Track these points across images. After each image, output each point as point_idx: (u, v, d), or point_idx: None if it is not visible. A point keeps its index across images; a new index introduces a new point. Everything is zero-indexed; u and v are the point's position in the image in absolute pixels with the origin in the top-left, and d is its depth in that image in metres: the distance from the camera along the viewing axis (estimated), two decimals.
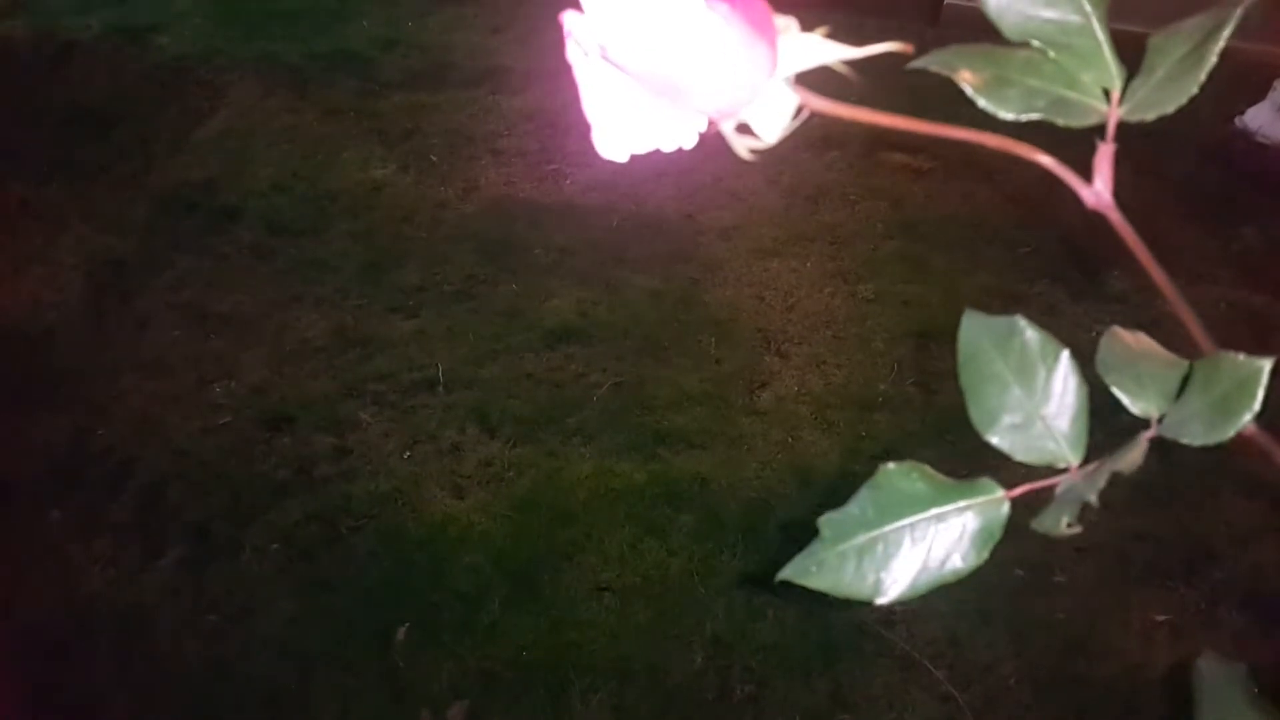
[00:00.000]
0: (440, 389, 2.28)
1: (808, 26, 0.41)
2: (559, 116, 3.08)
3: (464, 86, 3.34)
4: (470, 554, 1.95)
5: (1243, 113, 3.17)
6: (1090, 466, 0.45)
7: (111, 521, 1.99)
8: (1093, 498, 0.40)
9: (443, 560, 1.94)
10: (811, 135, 3.09)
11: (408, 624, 1.83)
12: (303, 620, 1.84)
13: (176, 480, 2.07)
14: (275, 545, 1.96)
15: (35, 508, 2.01)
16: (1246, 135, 3.13)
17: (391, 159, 3.02)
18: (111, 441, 2.15)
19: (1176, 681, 1.74)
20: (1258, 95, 3.15)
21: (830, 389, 2.31)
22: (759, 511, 2.03)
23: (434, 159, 3.03)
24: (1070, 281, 2.56)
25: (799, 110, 0.39)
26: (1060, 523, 0.41)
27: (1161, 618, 1.88)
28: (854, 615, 1.85)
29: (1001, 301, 2.49)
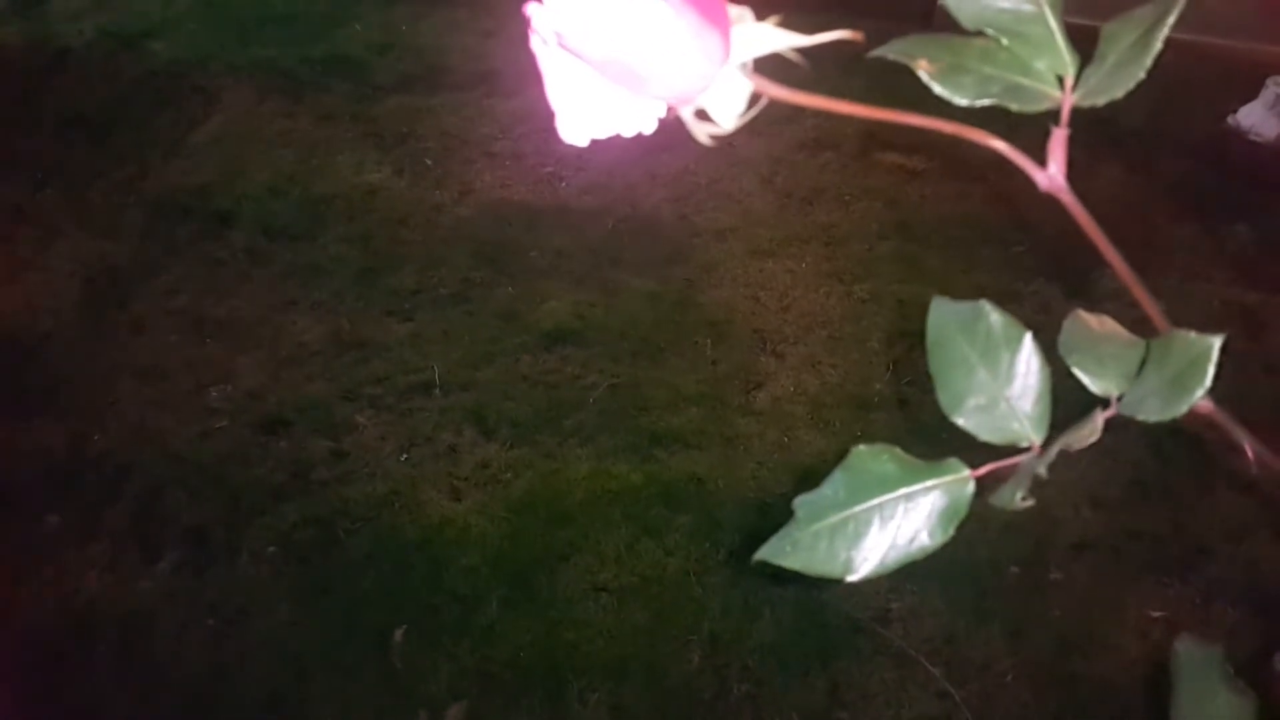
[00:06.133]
0: (437, 391, 2.29)
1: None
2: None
3: (458, 90, 3.35)
4: (467, 555, 1.95)
5: (1235, 111, 3.18)
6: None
7: (109, 526, 1.99)
8: (1043, 470, 0.41)
9: (440, 562, 1.94)
10: (806, 137, 3.10)
11: (405, 626, 1.84)
12: (300, 623, 1.85)
13: (173, 485, 2.07)
14: (273, 548, 1.96)
15: (32, 513, 2.02)
16: (1239, 134, 3.14)
17: (386, 163, 3.02)
18: (108, 447, 2.15)
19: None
20: (1250, 94, 3.16)
21: (826, 389, 2.31)
22: (755, 511, 2.03)
23: (429, 162, 3.03)
24: (1064, 280, 2.56)
25: (756, 97, 0.39)
26: (1015, 498, 0.42)
27: (1157, 614, 1.88)
28: (851, 613, 1.86)
29: (996, 300, 2.46)
